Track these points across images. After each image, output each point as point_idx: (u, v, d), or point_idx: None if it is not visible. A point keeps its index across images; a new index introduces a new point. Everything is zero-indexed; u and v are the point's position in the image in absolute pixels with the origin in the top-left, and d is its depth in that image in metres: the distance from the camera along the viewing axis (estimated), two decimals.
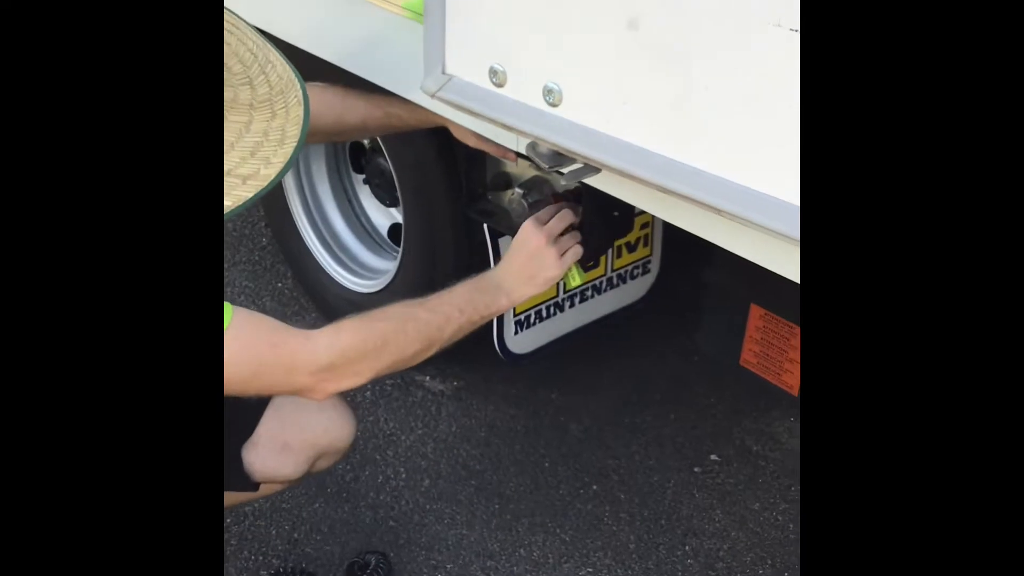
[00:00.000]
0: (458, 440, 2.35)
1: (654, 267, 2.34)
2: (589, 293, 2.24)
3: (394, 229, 2.59)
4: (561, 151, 1.25)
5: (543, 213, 1.62)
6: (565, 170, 1.32)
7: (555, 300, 2.18)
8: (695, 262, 1.95)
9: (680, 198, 1.14)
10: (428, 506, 2.18)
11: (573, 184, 1.30)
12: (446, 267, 2.21)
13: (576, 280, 1.70)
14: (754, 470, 2.29)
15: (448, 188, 2.12)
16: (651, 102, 1.13)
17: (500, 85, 1.26)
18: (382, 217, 2.62)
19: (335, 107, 1.72)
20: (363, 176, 2.56)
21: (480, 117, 1.31)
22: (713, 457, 2.32)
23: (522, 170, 1.81)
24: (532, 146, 1.31)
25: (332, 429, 1.70)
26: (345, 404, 1.73)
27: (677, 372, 2.55)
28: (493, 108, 1.28)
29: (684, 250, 1.90)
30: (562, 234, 1.60)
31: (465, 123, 1.56)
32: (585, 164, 1.29)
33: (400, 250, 2.35)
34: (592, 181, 1.34)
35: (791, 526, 2.15)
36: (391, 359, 1.43)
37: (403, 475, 2.25)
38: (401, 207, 2.31)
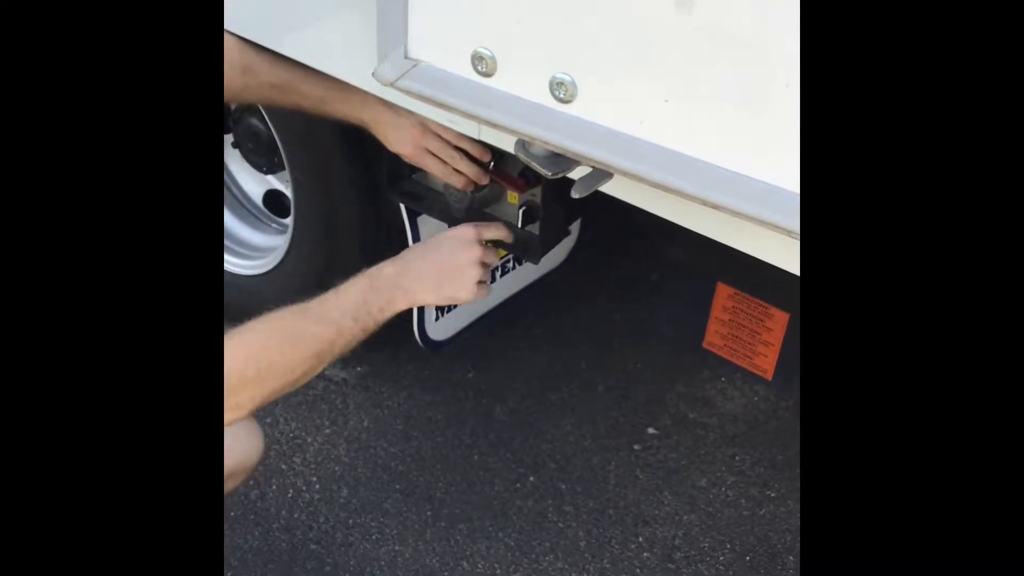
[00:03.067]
0: (373, 437, 2.09)
1: (575, 228, 2.13)
2: (511, 264, 2.00)
3: (269, 197, 2.27)
4: (569, 155, 1.00)
5: (488, 229, 1.41)
6: (575, 177, 1.06)
7: None
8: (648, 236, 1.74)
9: (742, 218, 0.91)
10: (351, 521, 1.92)
11: (582, 193, 1.04)
12: (350, 243, 1.93)
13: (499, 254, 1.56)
14: (694, 441, 2.13)
15: (348, 153, 1.83)
16: (706, 100, 0.88)
17: (487, 74, 0.99)
18: (254, 184, 2.29)
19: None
20: (231, 138, 2.20)
21: (455, 111, 1.03)
22: (651, 430, 2.15)
23: None
24: (523, 146, 1.05)
25: (236, 446, 1.41)
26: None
27: (597, 336, 2.36)
28: (477, 103, 1.00)
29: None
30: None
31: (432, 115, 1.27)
32: (596, 169, 1.03)
33: (290, 225, 2.04)
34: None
35: (743, 502, 2.02)
36: (276, 384, 1.21)
37: (316, 486, 1.98)
38: (288, 175, 1.99)
